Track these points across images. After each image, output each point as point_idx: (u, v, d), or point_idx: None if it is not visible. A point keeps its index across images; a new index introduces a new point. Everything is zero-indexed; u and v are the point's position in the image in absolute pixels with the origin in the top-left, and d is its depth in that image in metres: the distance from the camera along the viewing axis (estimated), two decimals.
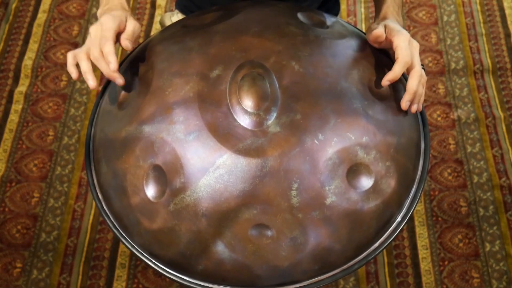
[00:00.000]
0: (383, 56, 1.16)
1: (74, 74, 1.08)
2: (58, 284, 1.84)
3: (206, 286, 1.04)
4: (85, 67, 1.07)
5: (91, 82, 1.06)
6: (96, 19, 1.16)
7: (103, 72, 1.07)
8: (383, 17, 1.20)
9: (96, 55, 1.06)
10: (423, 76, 1.09)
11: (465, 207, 1.98)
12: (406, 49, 1.08)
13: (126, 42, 1.09)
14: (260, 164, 0.97)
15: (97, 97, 1.18)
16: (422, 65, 1.10)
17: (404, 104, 1.07)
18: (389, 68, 1.13)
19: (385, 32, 1.12)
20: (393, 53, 1.10)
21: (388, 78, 1.07)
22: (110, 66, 1.05)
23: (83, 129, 2.14)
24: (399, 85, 1.13)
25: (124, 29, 1.11)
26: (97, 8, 1.31)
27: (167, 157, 1.00)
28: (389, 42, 1.11)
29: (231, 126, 0.99)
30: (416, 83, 1.07)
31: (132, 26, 1.11)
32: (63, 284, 1.85)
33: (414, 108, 1.09)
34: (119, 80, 1.06)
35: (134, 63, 1.13)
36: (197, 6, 1.42)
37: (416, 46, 1.10)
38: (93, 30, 1.09)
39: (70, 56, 1.09)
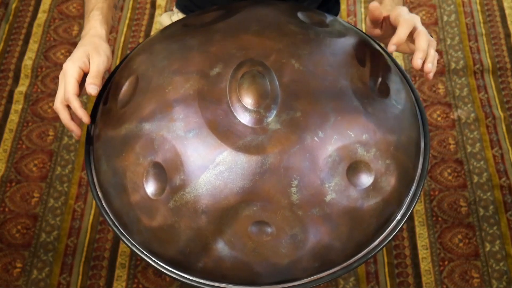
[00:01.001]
0: (383, 55, 1.16)
1: (75, 131, 1.11)
2: (58, 284, 1.84)
3: (206, 284, 1.04)
4: (64, 118, 1.10)
5: (76, 132, 1.10)
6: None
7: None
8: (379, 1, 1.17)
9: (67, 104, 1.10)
10: (431, 39, 1.05)
11: (465, 207, 1.98)
12: (407, 14, 1.05)
13: (89, 88, 1.08)
14: (260, 161, 0.97)
15: (97, 96, 1.19)
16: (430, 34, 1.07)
17: (416, 61, 1.03)
18: (389, 68, 1.13)
19: (384, 11, 1.10)
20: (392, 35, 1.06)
21: (393, 41, 1.03)
22: (84, 120, 1.08)
23: (83, 129, 2.14)
24: (404, 85, 1.13)
25: (88, 69, 1.10)
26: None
27: (167, 154, 1.00)
28: (389, 18, 1.09)
29: (231, 124, 0.99)
30: (424, 41, 1.04)
31: (95, 64, 1.10)
32: (63, 284, 1.85)
33: (428, 68, 1.05)
34: (77, 132, 1.10)
35: (134, 62, 1.13)
36: (197, 5, 1.42)
37: (417, 17, 1.07)
38: (60, 76, 1.11)
39: (57, 110, 1.11)
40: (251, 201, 0.97)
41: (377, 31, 1.14)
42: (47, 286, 1.84)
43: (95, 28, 1.17)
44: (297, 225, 0.98)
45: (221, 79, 1.03)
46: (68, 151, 2.09)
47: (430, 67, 1.04)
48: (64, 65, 1.10)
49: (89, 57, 1.11)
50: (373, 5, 1.09)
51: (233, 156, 0.97)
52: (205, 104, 1.01)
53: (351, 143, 1.00)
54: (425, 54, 1.04)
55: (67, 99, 1.08)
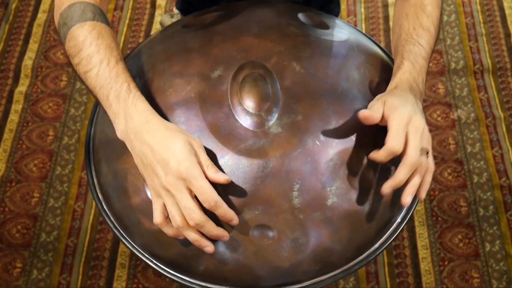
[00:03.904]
0: (384, 57, 1.16)
1: (211, 246, 0.94)
2: (58, 284, 1.84)
3: (207, 287, 1.04)
4: (195, 236, 0.92)
5: (211, 247, 0.94)
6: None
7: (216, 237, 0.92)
8: (394, 86, 1.02)
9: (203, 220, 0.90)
10: (421, 164, 0.94)
11: (465, 207, 1.98)
12: (397, 134, 0.93)
13: (223, 179, 0.91)
14: (262, 165, 0.97)
15: None
16: (426, 151, 0.95)
17: (384, 188, 0.94)
18: (390, 70, 1.13)
19: (383, 109, 0.96)
20: None
21: (371, 156, 0.95)
22: (233, 223, 0.92)
23: (83, 129, 2.14)
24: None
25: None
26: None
27: None
28: (385, 122, 0.96)
29: (233, 127, 0.99)
30: (403, 172, 0.93)
31: (204, 154, 0.91)
32: (63, 284, 1.84)
33: (405, 200, 0.95)
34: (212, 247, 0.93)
35: (134, 63, 1.13)
36: (197, 6, 1.42)
37: (417, 128, 0.94)
38: (173, 185, 0.88)
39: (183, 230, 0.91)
40: (253, 204, 0.97)
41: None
42: (47, 286, 1.84)
43: (149, 113, 0.94)
44: (298, 229, 0.98)
45: (222, 82, 1.03)
46: (68, 151, 2.09)
47: (409, 200, 0.95)
48: (180, 169, 0.88)
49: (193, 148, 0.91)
50: (364, 113, 0.95)
51: (235, 160, 0.97)
52: (206, 107, 1.01)
53: (352, 147, 1.00)
54: (399, 184, 0.94)
55: (215, 203, 0.89)
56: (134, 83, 0.97)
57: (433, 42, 1.09)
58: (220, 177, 0.90)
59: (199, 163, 0.90)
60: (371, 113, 0.95)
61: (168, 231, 0.94)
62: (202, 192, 0.89)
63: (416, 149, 0.94)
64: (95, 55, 0.98)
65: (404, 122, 0.94)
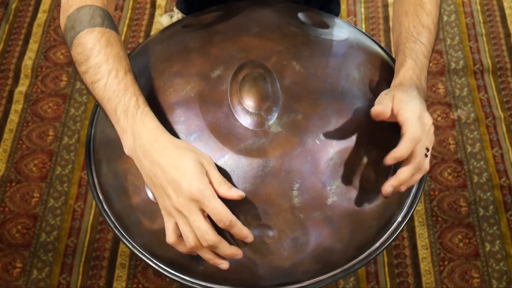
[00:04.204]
0: (384, 56, 1.16)
1: (225, 263, 0.93)
2: (58, 284, 1.84)
3: (207, 286, 1.04)
4: (209, 256, 0.92)
5: (226, 264, 0.93)
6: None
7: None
8: (399, 83, 1.02)
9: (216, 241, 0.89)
10: (424, 166, 0.95)
11: (465, 207, 1.98)
12: (415, 123, 0.93)
13: (237, 194, 0.90)
14: (262, 164, 0.97)
15: None
16: (427, 149, 0.95)
17: (385, 188, 0.94)
18: (391, 69, 1.13)
19: (392, 104, 0.95)
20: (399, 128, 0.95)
21: (392, 156, 0.93)
22: (247, 240, 0.91)
23: (83, 129, 2.14)
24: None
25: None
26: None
27: None
28: (395, 116, 0.95)
29: (233, 126, 0.99)
30: (408, 171, 0.94)
31: (215, 171, 0.90)
32: (63, 284, 1.84)
33: (387, 190, 0.94)
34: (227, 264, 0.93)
35: (134, 63, 1.13)
36: (197, 6, 1.42)
37: (426, 125, 0.94)
38: (185, 206, 0.87)
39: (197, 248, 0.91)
40: (253, 204, 0.97)
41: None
42: (47, 286, 1.84)
43: (158, 131, 0.93)
44: (298, 228, 0.98)
45: (222, 82, 1.03)
46: (68, 151, 2.09)
47: (390, 191, 0.94)
48: (192, 190, 0.87)
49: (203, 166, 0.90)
50: (378, 110, 0.95)
51: (235, 159, 0.97)
52: (206, 106, 1.01)
53: (352, 146, 1.00)
54: (401, 184, 0.94)
55: (230, 222, 0.88)
56: (142, 97, 0.95)
57: (433, 40, 1.09)
58: (233, 194, 0.89)
59: (211, 182, 0.89)
60: (384, 109, 0.94)
61: (182, 249, 0.93)
62: (216, 213, 0.87)
63: (422, 148, 0.94)
64: (103, 65, 0.96)
65: (417, 115, 0.93)
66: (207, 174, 0.89)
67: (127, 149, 0.94)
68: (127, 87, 0.95)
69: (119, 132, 0.95)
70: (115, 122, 0.95)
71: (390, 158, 0.92)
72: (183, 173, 0.87)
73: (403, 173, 0.94)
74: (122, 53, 0.99)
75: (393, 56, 1.15)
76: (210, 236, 0.89)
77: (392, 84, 1.04)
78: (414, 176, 0.96)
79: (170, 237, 0.92)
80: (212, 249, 0.91)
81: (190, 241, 0.90)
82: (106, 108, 0.95)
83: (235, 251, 0.92)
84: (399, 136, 0.94)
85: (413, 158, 0.94)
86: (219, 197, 0.89)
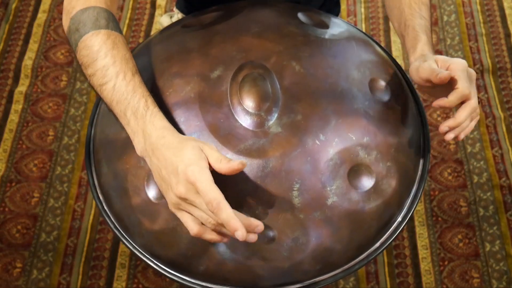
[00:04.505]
0: (384, 56, 1.16)
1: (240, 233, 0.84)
2: (58, 284, 1.84)
3: (207, 287, 1.04)
4: (214, 236, 0.89)
5: (253, 236, 0.87)
6: None
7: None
8: (420, 54, 1.07)
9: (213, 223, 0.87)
10: (477, 112, 1.02)
11: (465, 207, 1.98)
12: (466, 80, 0.98)
13: (238, 166, 0.87)
14: (262, 164, 0.97)
15: (97, 97, 1.18)
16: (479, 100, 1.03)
17: (442, 127, 0.99)
18: (391, 69, 1.13)
19: (439, 65, 1.01)
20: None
21: (440, 103, 0.98)
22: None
23: (83, 129, 2.14)
24: (404, 87, 1.13)
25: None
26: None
27: None
28: (439, 80, 0.98)
29: (232, 127, 0.99)
30: (465, 114, 0.99)
31: (213, 151, 0.89)
32: (63, 284, 1.84)
33: (449, 136, 1.01)
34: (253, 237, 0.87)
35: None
36: (197, 6, 1.42)
37: (473, 76, 1.01)
38: (188, 192, 0.86)
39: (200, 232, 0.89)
40: (253, 204, 0.97)
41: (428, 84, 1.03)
42: (47, 286, 1.84)
43: (166, 129, 0.93)
44: (298, 228, 0.98)
45: (222, 82, 1.02)
46: (68, 151, 2.09)
47: (451, 136, 1.01)
48: (188, 173, 0.86)
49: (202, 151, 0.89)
50: (435, 70, 0.98)
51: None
52: (206, 107, 1.01)
53: (352, 146, 1.00)
54: (457, 125, 1.00)
55: (218, 204, 0.84)
56: (151, 98, 0.95)
57: (430, 14, 1.15)
58: (234, 165, 0.86)
59: (212, 165, 0.87)
60: (445, 73, 0.96)
61: (210, 236, 0.90)
62: (205, 194, 0.84)
63: (476, 95, 1.00)
64: (110, 67, 0.96)
65: (465, 69, 0.99)
66: (206, 160, 0.88)
67: (139, 151, 0.94)
68: (136, 89, 0.95)
69: (130, 134, 0.95)
70: (125, 124, 0.95)
71: (436, 104, 0.98)
72: (181, 159, 0.87)
73: (460, 115, 0.99)
74: (128, 55, 0.99)
75: (392, 55, 1.15)
76: (222, 211, 0.84)
77: (413, 58, 1.07)
78: (472, 120, 1.02)
79: (193, 228, 0.89)
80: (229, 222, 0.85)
81: (210, 220, 0.87)
82: (116, 111, 0.96)
83: (254, 222, 0.87)
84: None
85: (470, 102, 0.99)
86: (223, 175, 0.87)
